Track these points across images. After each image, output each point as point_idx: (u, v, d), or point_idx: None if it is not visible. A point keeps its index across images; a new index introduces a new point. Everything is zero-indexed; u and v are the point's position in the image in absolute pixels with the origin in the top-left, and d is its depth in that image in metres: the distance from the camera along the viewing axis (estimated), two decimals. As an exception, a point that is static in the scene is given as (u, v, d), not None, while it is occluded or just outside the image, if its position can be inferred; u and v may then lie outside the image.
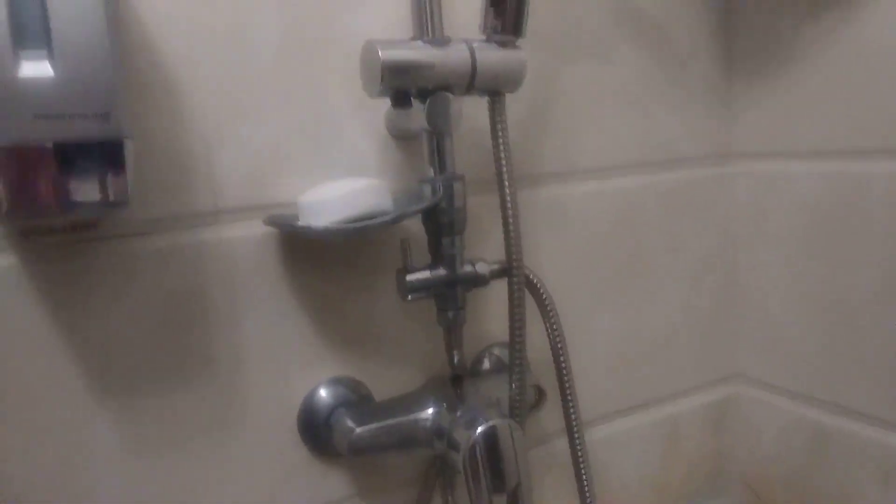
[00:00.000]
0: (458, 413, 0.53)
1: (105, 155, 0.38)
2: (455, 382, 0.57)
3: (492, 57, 0.52)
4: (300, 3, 0.53)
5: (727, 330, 0.78)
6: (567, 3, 0.64)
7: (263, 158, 0.53)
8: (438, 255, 0.54)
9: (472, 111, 0.56)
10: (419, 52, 0.49)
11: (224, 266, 0.52)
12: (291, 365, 0.56)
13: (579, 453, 0.63)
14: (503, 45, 0.52)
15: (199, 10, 0.50)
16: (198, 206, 0.51)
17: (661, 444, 0.75)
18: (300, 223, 0.49)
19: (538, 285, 0.58)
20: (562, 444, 0.68)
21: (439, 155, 0.53)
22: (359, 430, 0.53)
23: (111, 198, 0.38)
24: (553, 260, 0.66)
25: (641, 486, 0.74)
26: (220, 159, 0.51)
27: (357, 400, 0.57)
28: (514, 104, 0.55)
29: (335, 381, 0.57)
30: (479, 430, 0.48)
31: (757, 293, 0.75)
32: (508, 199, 0.54)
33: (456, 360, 0.56)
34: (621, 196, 0.70)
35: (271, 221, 0.51)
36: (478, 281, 0.55)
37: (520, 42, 0.53)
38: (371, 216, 0.49)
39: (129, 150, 0.39)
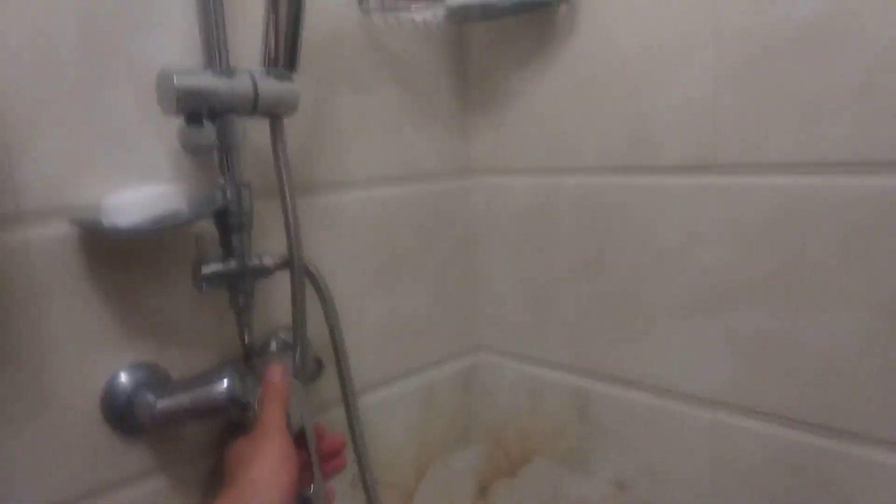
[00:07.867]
0: (250, 382, 0.64)
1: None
2: (247, 360, 0.67)
3: (271, 87, 0.63)
4: (98, 30, 0.60)
5: (468, 310, 0.97)
6: (335, 45, 0.78)
7: (65, 166, 0.59)
8: (229, 249, 0.64)
9: (257, 128, 0.66)
10: (210, 81, 0.59)
11: (27, 263, 0.57)
12: (93, 352, 0.62)
13: (352, 416, 0.76)
14: (280, 77, 0.64)
15: (5, 38, 0.55)
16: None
17: (421, 406, 0.91)
18: (106, 223, 0.56)
19: (316, 275, 0.70)
20: (338, 411, 0.81)
21: (229, 167, 0.63)
22: (160, 403, 0.61)
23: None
24: (328, 255, 0.79)
25: (407, 442, 0.90)
26: (22, 165, 0.57)
27: (157, 380, 0.65)
28: (293, 124, 0.67)
29: (136, 366, 0.64)
30: (265, 386, 0.59)
31: (489, 280, 0.95)
32: (289, 203, 0.66)
33: (247, 339, 0.67)
34: (382, 204, 0.85)
35: (77, 222, 0.57)
36: (264, 271, 0.66)
37: (296, 75, 0.65)
38: (169, 217, 0.58)
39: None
